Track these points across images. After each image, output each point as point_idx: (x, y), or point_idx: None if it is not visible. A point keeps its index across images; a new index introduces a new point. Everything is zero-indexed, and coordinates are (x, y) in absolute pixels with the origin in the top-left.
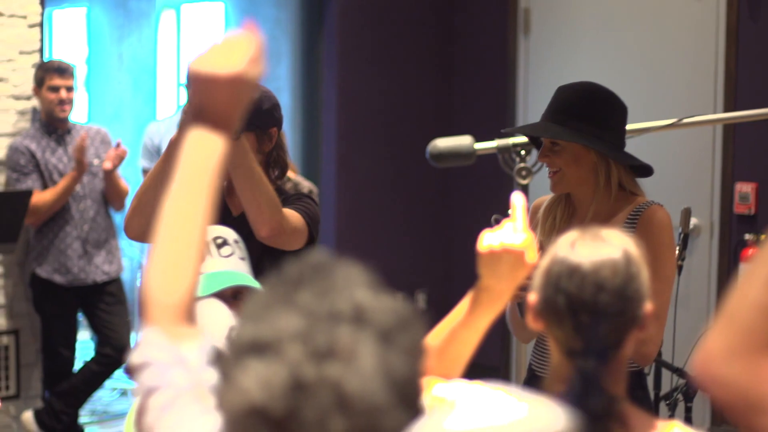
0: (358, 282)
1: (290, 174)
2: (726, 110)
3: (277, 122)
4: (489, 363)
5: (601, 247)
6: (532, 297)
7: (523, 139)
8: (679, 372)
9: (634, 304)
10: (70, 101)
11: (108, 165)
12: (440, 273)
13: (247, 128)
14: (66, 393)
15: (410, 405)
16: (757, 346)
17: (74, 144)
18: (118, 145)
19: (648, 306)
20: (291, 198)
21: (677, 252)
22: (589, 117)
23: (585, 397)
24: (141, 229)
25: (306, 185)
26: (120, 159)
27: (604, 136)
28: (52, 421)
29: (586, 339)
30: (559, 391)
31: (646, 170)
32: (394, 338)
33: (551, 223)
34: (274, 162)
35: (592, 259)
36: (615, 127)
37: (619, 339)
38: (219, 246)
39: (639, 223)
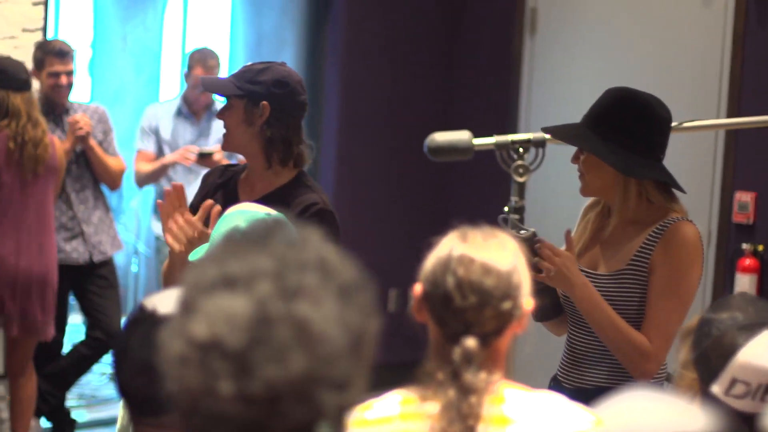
0: (322, 241)
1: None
2: (729, 117)
3: (273, 99)
4: None
5: (491, 242)
6: (418, 287)
7: (522, 136)
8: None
9: (517, 293)
10: (69, 86)
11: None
12: None
13: (235, 92)
14: (54, 375)
15: (359, 359)
16: None
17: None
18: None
19: (529, 303)
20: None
21: None
22: (619, 126)
23: (462, 373)
24: None
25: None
26: (74, 127)
27: (634, 147)
28: (38, 402)
29: (469, 321)
30: (443, 374)
31: (677, 184)
32: (352, 294)
33: (584, 225)
34: (273, 145)
35: (482, 248)
36: (647, 138)
37: (500, 326)
38: None
39: (661, 239)
